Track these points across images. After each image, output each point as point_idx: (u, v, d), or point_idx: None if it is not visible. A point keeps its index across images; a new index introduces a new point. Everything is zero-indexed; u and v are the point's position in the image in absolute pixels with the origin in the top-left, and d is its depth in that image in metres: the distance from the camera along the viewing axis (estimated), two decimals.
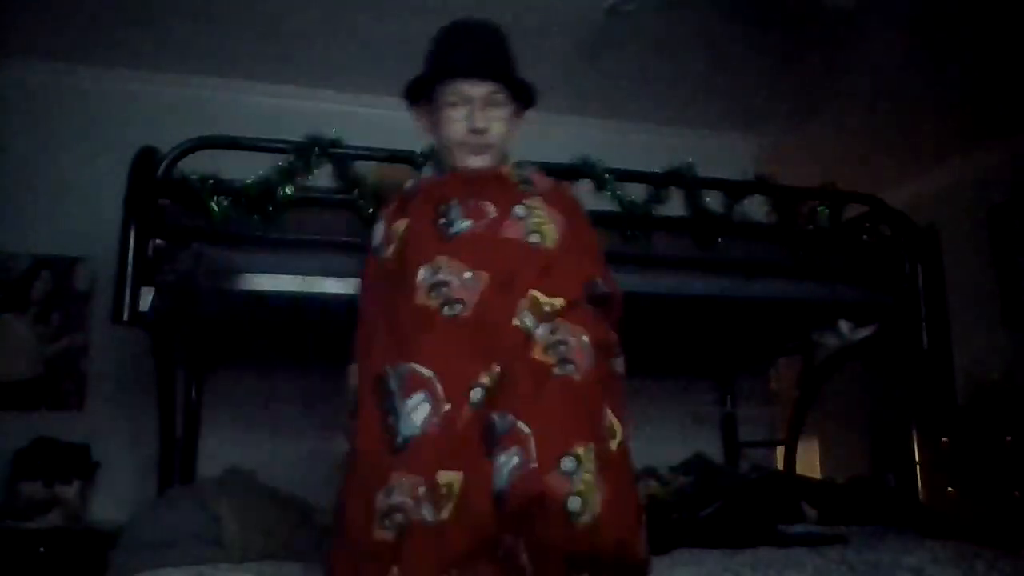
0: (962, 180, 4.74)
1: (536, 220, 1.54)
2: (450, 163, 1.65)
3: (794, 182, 2.99)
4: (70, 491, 3.09)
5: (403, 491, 1.32)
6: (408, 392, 1.38)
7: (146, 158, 2.27)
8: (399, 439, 1.36)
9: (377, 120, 2.96)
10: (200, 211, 2.25)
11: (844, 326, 2.96)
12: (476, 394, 1.37)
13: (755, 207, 2.89)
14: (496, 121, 1.60)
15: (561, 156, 2.61)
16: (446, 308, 1.44)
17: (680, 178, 2.65)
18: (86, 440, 3.24)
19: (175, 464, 3.05)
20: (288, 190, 2.29)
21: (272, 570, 2.10)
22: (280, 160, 2.34)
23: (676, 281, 2.60)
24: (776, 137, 4.57)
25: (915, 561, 2.13)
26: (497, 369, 1.39)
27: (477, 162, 1.61)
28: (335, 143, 2.39)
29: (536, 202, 1.57)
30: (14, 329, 3.47)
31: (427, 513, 1.31)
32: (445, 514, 1.31)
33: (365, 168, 2.47)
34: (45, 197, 3.55)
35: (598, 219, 2.48)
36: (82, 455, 3.19)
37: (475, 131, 1.58)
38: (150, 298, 2.16)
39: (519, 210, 1.55)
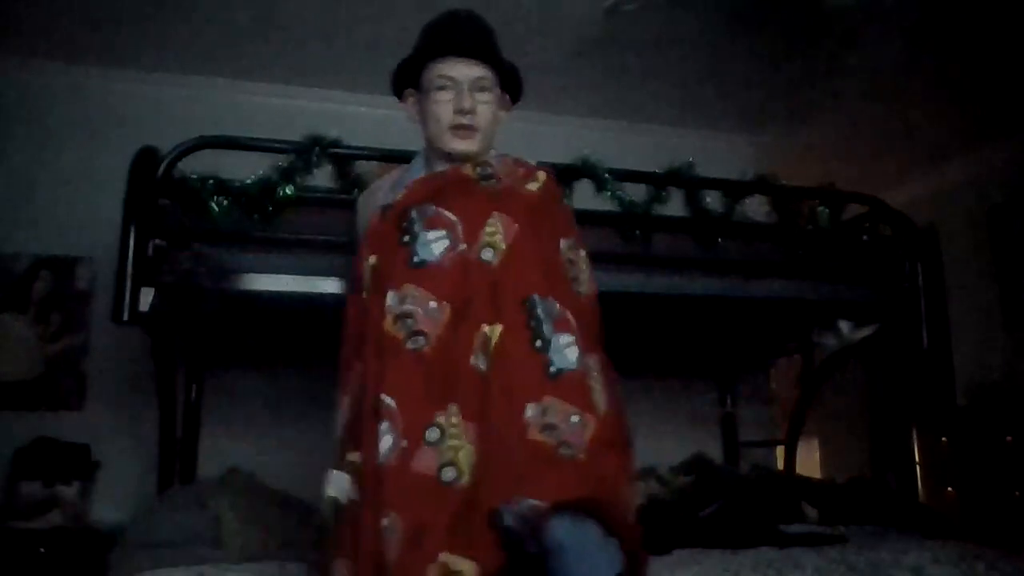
0: (962, 180, 4.73)
1: (490, 231, 1.53)
2: (436, 154, 1.65)
3: (794, 182, 2.99)
4: (70, 491, 3.09)
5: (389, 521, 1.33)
6: (380, 419, 1.39)
7: (146, 158, 2.27)
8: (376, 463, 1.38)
9: (377, 120, 2.96)
10: (200, 211, 2.25)
11: (844, 326, 2.97)
12: (432, 434, 1.37)
13: (755, 207, 2.89)
14: (483, 105, 1.59)
15: (561, 156, 2.61)
16: (409, 341, 1.44)
17: (680, 178, 2.65)
18: (86, 440, 3.24)
19: (175, 464, 3.05)
20: (288, 190, 2.29)
21: (272, 570, 2.10)
22: (280, 160, 2.34)
23: (676, 281, 2.60)
24: (776, 137, 4.57)
25: (915, 561, 2.13)
26: (455, 409, 1.38)
27: (463, 146, 1.60)
28: (335, 143, 2.40)
29: (495, 214, 1.54)
30: (14, 329, 3.47)
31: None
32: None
33: (365, 168, 2.48)
34: (45, 197, 3.55)
35: (598, 219, 2.51)
36: (82, 455, 3.19)
37: (462, 111, 1.57)
38: (150, 298, 2.16)
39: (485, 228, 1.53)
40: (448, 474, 1.35)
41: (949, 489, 4.17)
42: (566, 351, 1.44)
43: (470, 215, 1.54)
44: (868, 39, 3.58)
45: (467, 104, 1.57)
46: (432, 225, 1.53)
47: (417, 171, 1.68)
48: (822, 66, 3.83)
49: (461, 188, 1.59)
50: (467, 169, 1.61)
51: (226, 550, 2.31)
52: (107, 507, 3.19)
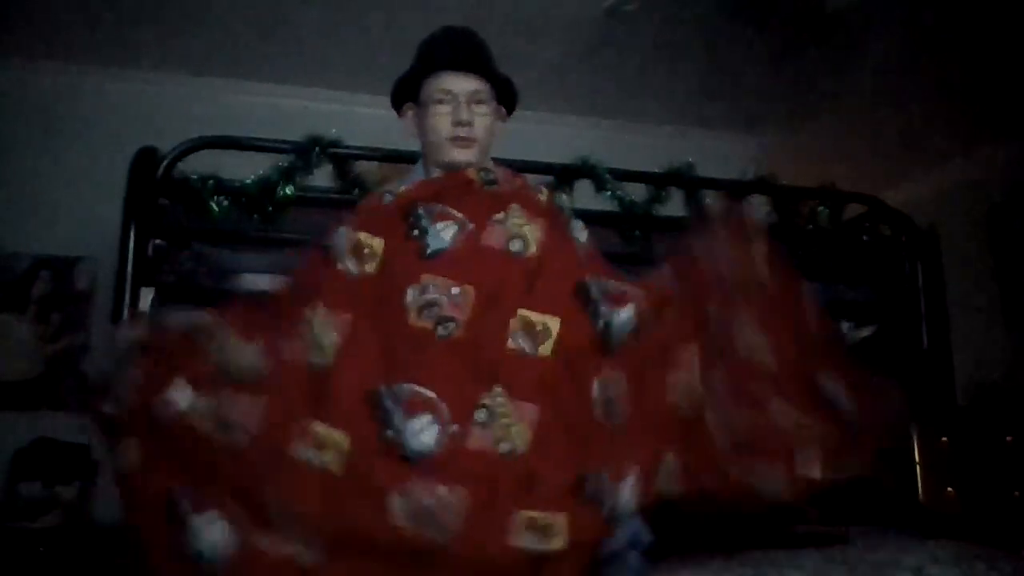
0: (962, 180, 4.73)
1: (516, 222, 1.56)
2: (435, 166, 1.67)
3: (794, 182, 2.99)
4: (70, 491, 3.09)
5: (419, 495, 1.34)
6: (412, 412, 1.39)
7: (146, 158, 2.27)
8: (408, 452, 1.37)
9: (377, 120, 2.96)
10: (200, 211, 2.25)
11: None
12: (481, 415, 1.40)
13: (755, 207, 2.89)
14: (480, 117, 1.63)
15: (561, 156, 2.61)
16: (440, 328, 1.46)
17: (680, 178, 2.66)
18: (86, 440, 3.23)
19: None
20: (288, 190, 2.30)
21: None
22: (280, 160, 2.34)
23: None
24: (776, 137, 4.57)
25: (915, 561, 2.13)
26: (499, 390, 1.42)
27: (461, 156, 1.63)
28: (335, 143, 2.40)
29: (514, 205, 1.59)
30: (14, 329, 3.47)
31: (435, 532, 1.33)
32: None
33: (365, 167, 2.48)
34: (45, 197, 3.55)
35: (598, 219, 2.50)
36: (82, 455, 3.19)
37: (460, 123, 1.60)
38: (150, 298, 2.16)
39: (498, 215, 1.57)
40: (505, 447, 1.39)
41: (949, 489, 4.17)
42: (624, 325, 1.52)
43: (476, 212, 1.57)
44: (868, 39, 3.58)
45: (465, 116, 1.60)
46: (440, 219, 1.56)
47: (418, 178, 1.70)
48: (822, 66, 3.83)
49: (466, 190, 1.62)
50: (471, 173, 1.64)
51: None
52: (107, 507, 3.18)
